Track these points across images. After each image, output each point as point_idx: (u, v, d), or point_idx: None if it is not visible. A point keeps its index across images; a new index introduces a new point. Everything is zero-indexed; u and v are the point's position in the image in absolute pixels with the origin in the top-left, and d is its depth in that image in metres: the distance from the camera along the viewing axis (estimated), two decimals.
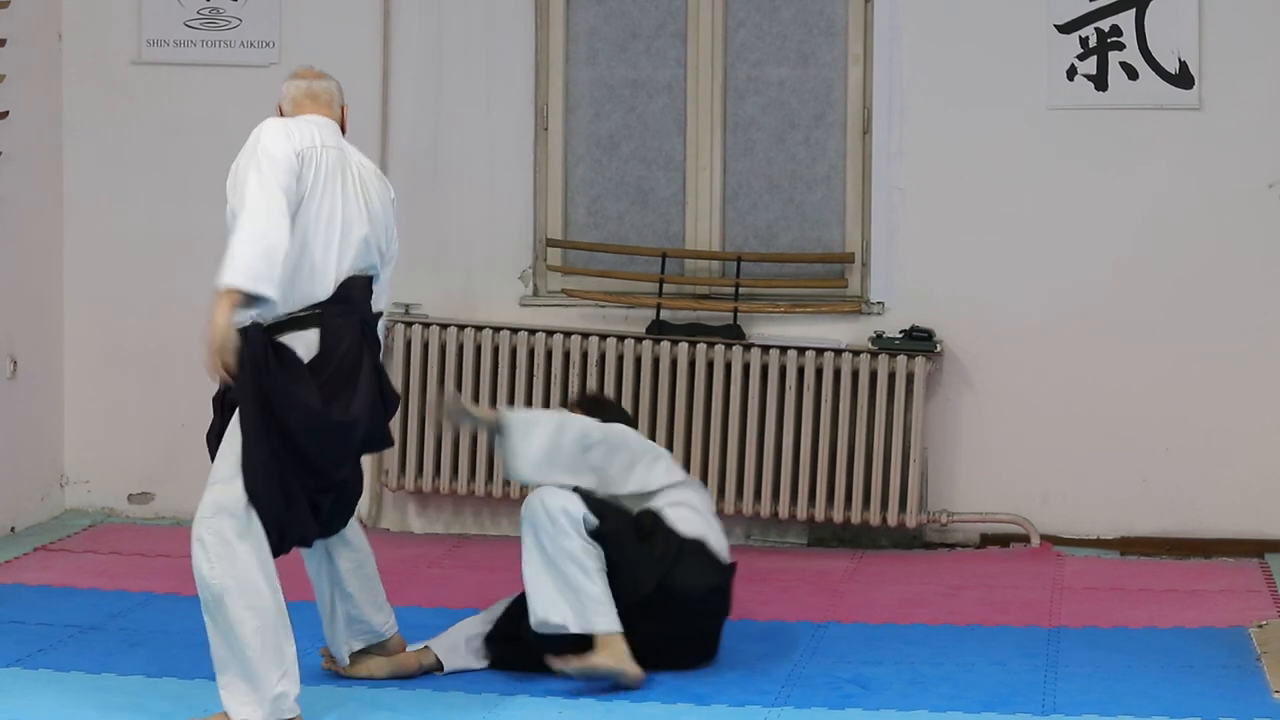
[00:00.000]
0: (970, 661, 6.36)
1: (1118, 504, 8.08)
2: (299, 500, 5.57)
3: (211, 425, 5.70)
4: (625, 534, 6.12)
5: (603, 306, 8.31)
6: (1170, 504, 8.05)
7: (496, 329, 8.25)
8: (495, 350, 8.24)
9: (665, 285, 8.24)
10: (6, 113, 8.07)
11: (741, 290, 8.19)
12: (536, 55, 8.33)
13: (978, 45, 8.07)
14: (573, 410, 6.50)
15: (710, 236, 8.34)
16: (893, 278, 8.15)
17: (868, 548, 8.15)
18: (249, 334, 5.42)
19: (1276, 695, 5.91)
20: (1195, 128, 7.96)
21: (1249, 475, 8.00)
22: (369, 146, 7.92)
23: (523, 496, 8.14)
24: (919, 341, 8.04)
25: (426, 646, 6.20)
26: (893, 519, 8.05)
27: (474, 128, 8.34)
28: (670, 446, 7.93)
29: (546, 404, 8.14)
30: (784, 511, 8.11)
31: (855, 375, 8.06)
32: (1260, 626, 6.70)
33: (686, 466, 7.82)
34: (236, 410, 5.54)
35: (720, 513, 6.87)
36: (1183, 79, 7.93)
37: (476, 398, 8.23)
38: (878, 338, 8.09)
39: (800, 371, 8.08)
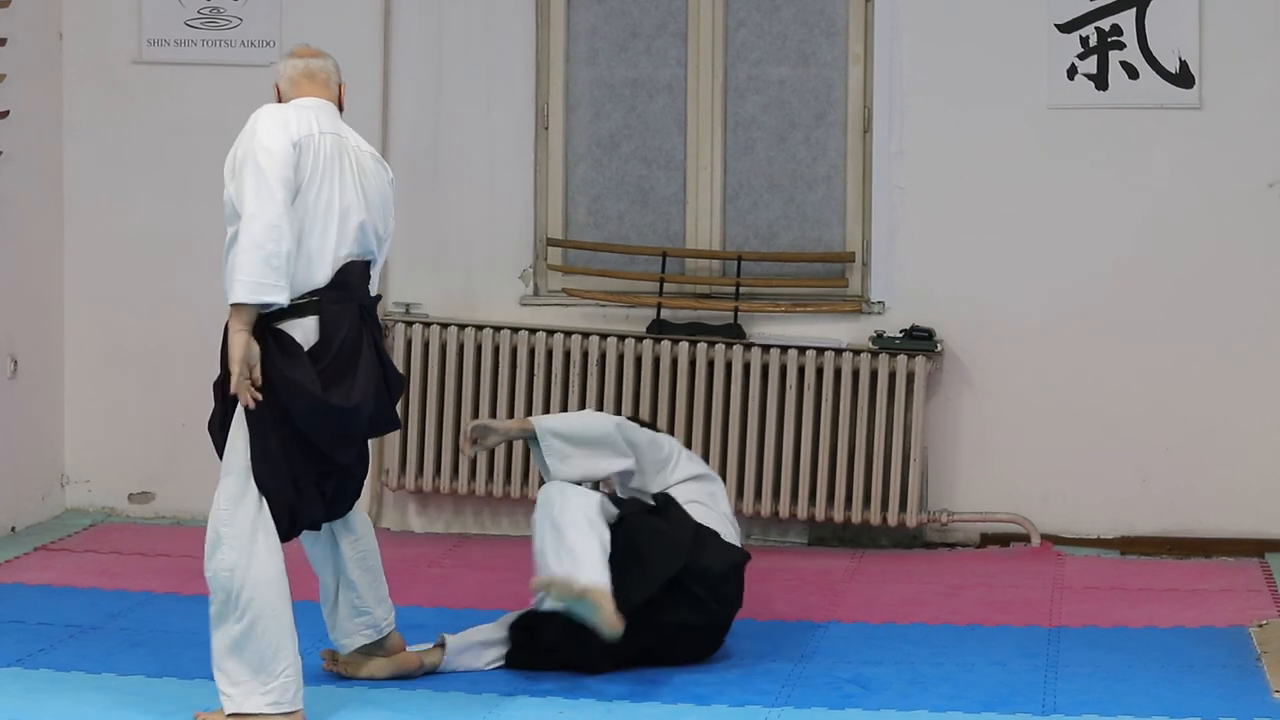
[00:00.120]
0: (970, 661, 6.36)
1: (1118, 503, 8.09)
2: (307, 483, 5.61)
3: (213, 414, 5.71)
4: (646, 519, 6.18)
5: (603, 306, 8.31)
6: (1170, 503, 8.05)
7: (497, 329, 8.25)
8: (495, 350, 8.24)
9: (666, 285, 8.24)
10: (6, 113, 8.07)
11: (742, 290, 8.19)
12: (537, 55, 8.33)
13: (978, 45, 8.07)
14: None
15: (711, 236, 8.34)
16: (893, 277, 8.15)
17: (868, 547, 8.15)
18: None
19: (1276, 695, 5.91)
20: (1195, 127, 7.95)
21: (1249, 475, 8.00)
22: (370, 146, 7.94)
23: (523, 497, 8.22)
24: (919, 341, 8.04)
25: (435, 645, 6.20)
26: (893, 519, 8.05)
27: (474, 127, 8.34)
28: None
29: (546, 404, 8.15)
30: (784, 511, 8.11)
31: (855, 375, 8.06)
32: (1260, 626, 6.70)
33: None
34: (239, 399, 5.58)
35: None
36: (1183, 78, 7.93)
37: (476, 398, 8.23)
38: (878, 337, 8.09)
39: (800, 371, 8.08)
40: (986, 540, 8.17)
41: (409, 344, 8.26)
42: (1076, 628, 6.78)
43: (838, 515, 8.09)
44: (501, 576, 7.49)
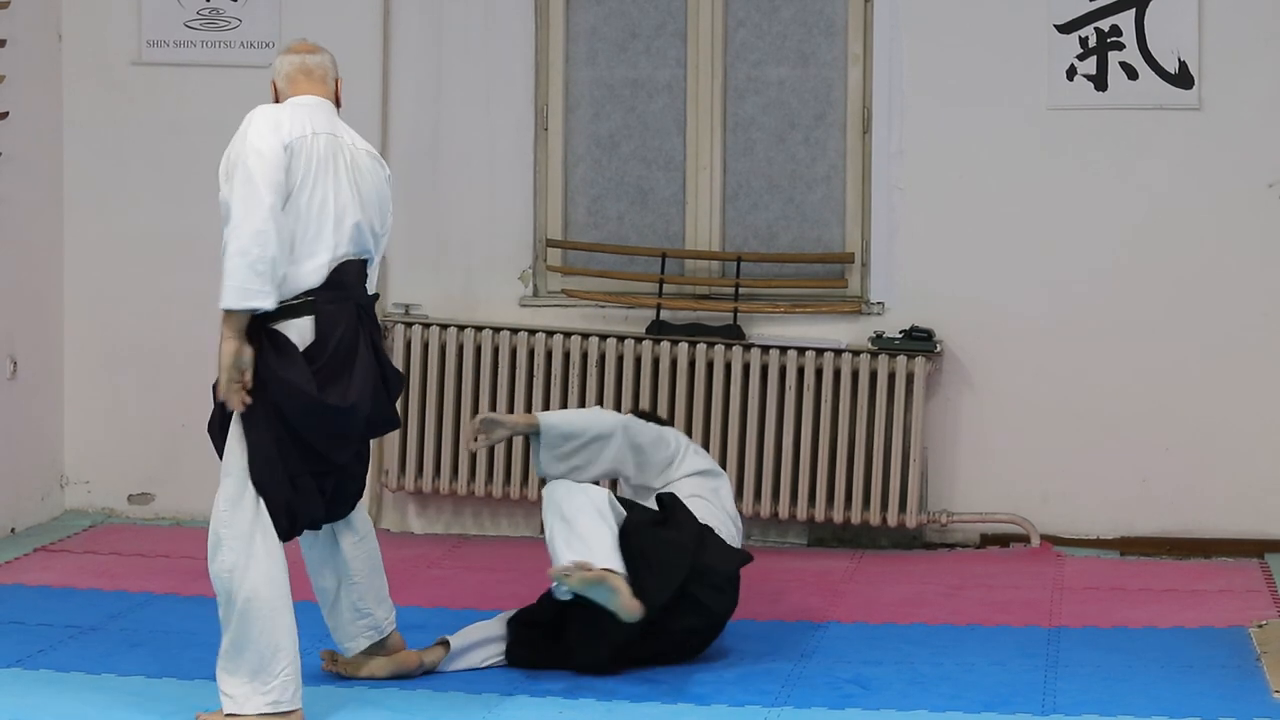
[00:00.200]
0: (970, 661, 6.36)
1: (1118, 504, 8.08)
2: (305, 483, 5.61)
3: (213, 415, 5.72)
4: (653, 530, 6.18)
5: (603, 307, 8.31)
6: (1170, 504, 8.05)
7: (496, 329, 8.25)
8: (495, 350, 8.24)
9: (665, 285, 8.24)
10: (6, 113, 8.07)
11: (741, 290, 8.19)
12: (536, 55, 8.33)
13: (978, 45, 8.07)
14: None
15: (710, 236, 8.34)
16: (893, 277, 8.15)
17: (868, 548, 8.15)
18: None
19: (1276, 695, 5.91)
20: (1195, 128, 7.96)
21: (1249, 475, 8.00)
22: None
23: (523, 497, 8.22)
24: (919, 341, 8.04)
25: (436, 644, 6.20)
26: (893, 519, 8.05)
27: (474, 127, 8.34)
28: None
29: (546, 405, 8.15)
30: (784, 511, 8.11)
31: (855, 375, 8.06)
32: (1260, 626, 6.70)
33: None
34: None
35: None
36: (1182, 79, 7.93)
37: (476, 398, 8.23)
38: (878, 338, 8.09)
39: (800, 371, 8.08)
40: (986, 541, 8.17)
41: (408, 344, 8.26)
42: (1076, 628, 6.78)
43: (837, 516, 8.09)
44: (501, 577, 7.49)
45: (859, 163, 8.23)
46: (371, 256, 5.80)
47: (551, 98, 8.37)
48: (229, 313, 5.45)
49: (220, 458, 5.66)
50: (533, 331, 8.22)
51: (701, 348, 8.12)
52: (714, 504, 6.48)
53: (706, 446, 8.08)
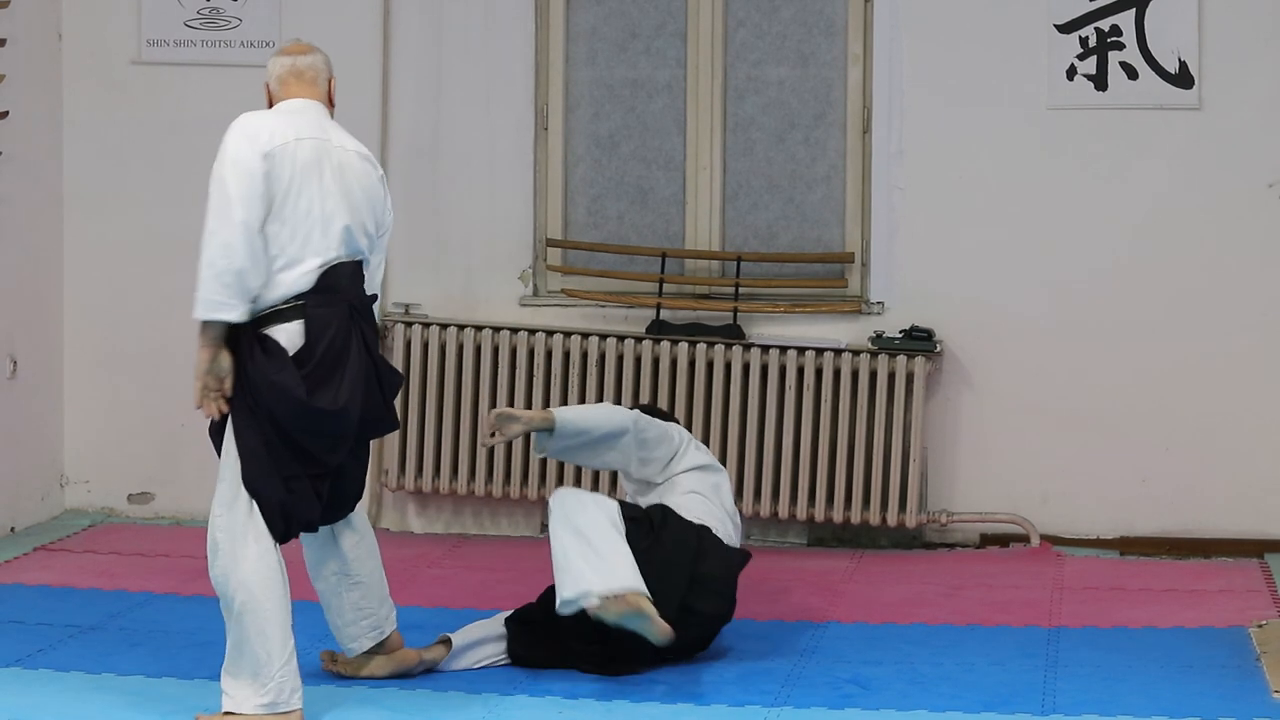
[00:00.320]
0: (970, 661, 6.36)
1: (1117, 504, 8.08)
2: (299, 484, 5.62)
3: (213, 419, 5.73)
4: (646, 547, 6.15)
5: (603, 306, 8.31)
6: (1170, 504, 8.05)
7: (496, 329, 8.25)
8: (495, 350, 8.24)
9: (665, 285, 8.24)
10: (6, 113, 8.07)
11: (741, 290, 8.19)
12: (536, 55, 8.33)
13: (977, 45, 8.07)
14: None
15: (710, 236, 8.34)
16: (892, 277, 8.15)
17: (868, 548, 8.15)
18: (235, 328, 5.55)
19: (1276, 695, 5.91)
20: (1195, 128, 7.95)
21: (1249, 475, 8.00)
22: (370, 146, 7.84)
23: (523, 497, 8.22)
24: (919, 341, 8.04)
25: (437, 642, 6.20)
26: (892, 519, 8.05)
27: (474, 127, 8.34)
28: None
29: (546, 404, 8.14)
30: (784, 511, 8.11)
31: (855, 375, 8.06)
32: (1260, 626, 6.70)
33: None
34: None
35: None
36: (1182, 79, 7.93)
37: (476, 398, 8.23)
38: (877, 337, 8.09)
39: (800, 371, 8.08)
40: (986, 541, 8.17)
41: (408, 344, 8.26)
42: (1076, 628, 6.78)
43: (837, 516, 8.09)
44: (501, 577, 7.49)
45: (859, 163, 8.23)
46: (366, 257, 5.80)
47: (551, 98, 8.37)
48: (202, 323, 5.52)
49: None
50: (533, 331, 8.22)
51: (701, 347, 8.12)
52: (713, 501, 6.47)
53: (706, 446, 8.07)
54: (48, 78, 8.42)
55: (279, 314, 5.58)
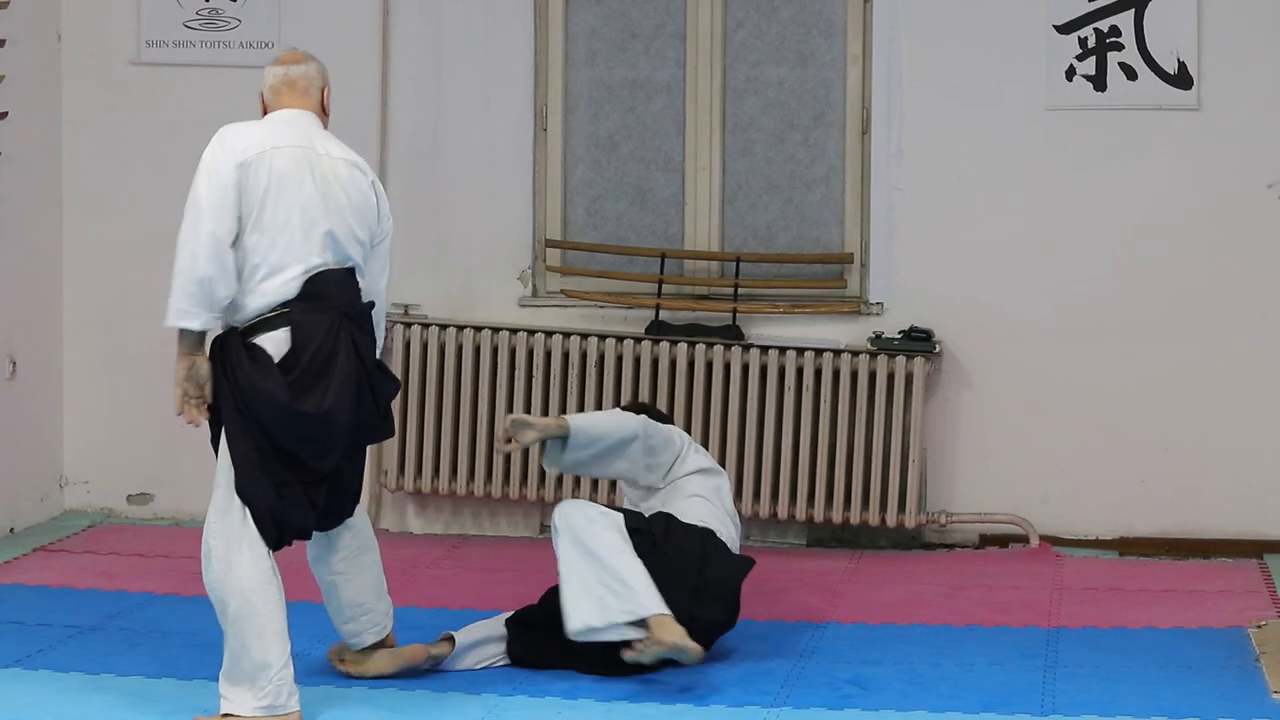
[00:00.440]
0: (969, 661, 6.36)
1: (1117, 504, 8.09)
2: (291, 490, 5.63)
3: (212, 428, 5.75)
4: (652, 553, 6.15)
5: (602, 307, 8.31)
6: (1169, 504, 8.06)
7: (496, 329, 8.25)
8: (495, 350, 8.24)
9: (664, 286, 8.24)
10: (6, 113, 8.08)
11: (740, 291, 8.19)
12: (536, 55, 8.33)
13: (977, 45, 8.07)
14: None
15: (709, 237, 8.34)
16: (892, 278, 8.15)
17: (867, 548, 8.15)
18: (223, 337, 5.65)
19: (1275, 695, 5.91)
20: (1194, 128, 7.96)
21: (1249, 475, 8.00)
22: (369, 147, 7.94)
23: (522, 497, 8.22)
24: (918, 342, 8.04)
25: (443, 639, 6.19)
26: (892, 519, 8.05)
27: (474, 128, 8.34)
28: None
29: (545, 406, 8.15)
30: (783, 512, 8.11)
31: (854, 375, 8.06)
32: (1259, 627, 6.70)
33: None
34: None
35: None
36: (1182, 79, 7.94)
37: (475, 399, 8.23)
38: (877, 338, 8.09)
39: (799, 372, 8.08)
40: (985, 541, 8.17)
41: (408, 345, 8.26)
42: (1075, 628, 6.78)
43: (836, 516, 8.09)
44: (500, 577, 7.49)
45: (858, 163, 8.23)
46: (357, 264, 5.79)
47: (551, 98, 8.37)
48: (177, 332, 5.63)
49: None
50: (532, 332, 8.22)
51: (701, 348, 8.12)
52: (715, 504, 6.48)
53: (706, 447, 8.06)
54: (47, 78, 8.42)
55: (265, 322, 5.63)
